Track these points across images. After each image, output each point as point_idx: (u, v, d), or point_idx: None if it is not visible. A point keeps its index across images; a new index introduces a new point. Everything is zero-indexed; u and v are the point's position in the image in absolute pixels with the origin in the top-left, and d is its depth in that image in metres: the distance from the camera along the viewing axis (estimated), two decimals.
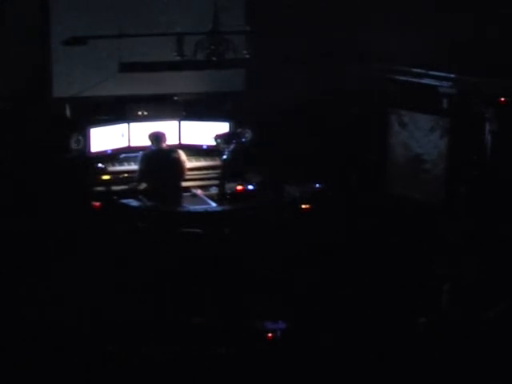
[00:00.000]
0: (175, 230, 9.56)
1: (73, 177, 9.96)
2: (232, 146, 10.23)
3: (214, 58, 9.20)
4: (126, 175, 10.27)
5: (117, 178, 10.27)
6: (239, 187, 10.13)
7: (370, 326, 8.51)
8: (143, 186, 9.99)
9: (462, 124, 9.71)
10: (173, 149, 10.27)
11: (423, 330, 8.14)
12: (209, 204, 10.00)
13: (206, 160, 10.76)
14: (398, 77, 10.23)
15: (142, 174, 10.02)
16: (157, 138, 10.11)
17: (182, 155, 10.22)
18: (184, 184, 10.24)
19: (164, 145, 10.13)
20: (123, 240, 9.42)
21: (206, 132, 10.75)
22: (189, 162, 10.43)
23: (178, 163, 10.11)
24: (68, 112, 10.54)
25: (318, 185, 10.31)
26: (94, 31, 9.54)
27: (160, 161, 10.06)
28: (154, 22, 10.32)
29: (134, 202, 9.84)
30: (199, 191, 10.29)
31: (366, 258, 9.69)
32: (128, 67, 9.27)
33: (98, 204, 9.82)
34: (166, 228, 9.57)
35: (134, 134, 10.61)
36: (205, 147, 10.81)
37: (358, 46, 9.96)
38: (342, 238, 9.89)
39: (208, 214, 9.81)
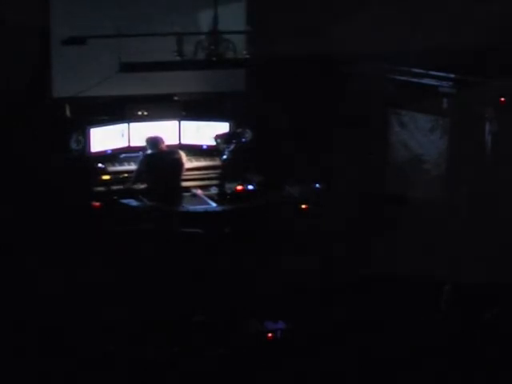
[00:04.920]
0: (175, 229, 9.56)
1: (73, 177, 9.95)
2: (232, 146, 10.24)
3: (213, 58, 9.20)
4: (126, 175, 10.27)
5: (117, 177, 10.27)
6: (239, 187, 10.14)
7: (371, 326, 8.51)
8: (138, 186, 10.00)
9: (462, 124, 9.70)
10: (174, 150, 10.28)
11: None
12: (209, 204, 10.00)
13: (205, 160, 10.76)
14: (397, 77, 10.22)
15: (139, 175, 10.03)
16: (154, 142, 10.10)
17: (183, 156, 10.25)
18: (184, 184, 10.25)
19: (163, 147, 10.14)
20: (123, 240, 9.42)
21: (205, 132, 10.75)
22: (189, 162, 10.45)
23: (180, 164, 10.14)
24: (68, 112, 10.54)
25: (317, 185, 10.32)
26: (94, 31, 9.53)
27: (162, 162, 10.07)
28: (154, 21, 10.31)
29: (133, 202, 9.85)
30: (199, 191, 10.29)
31: (365, 258, 9.69)
32: (128, 67, 9.26)
33: (98, 204, 9.83)
34: (166, 228, 9.57)
35: (133, 134, 10.61)
36: (205, 147, 10.81)
37: (358, 46, 9.95)
38: (341, 238, 9.89)
39: (208, 214, 9.81)
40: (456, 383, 7.71)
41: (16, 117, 10.08)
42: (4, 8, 10.01)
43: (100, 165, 10.31)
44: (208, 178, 10.54)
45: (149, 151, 10.13)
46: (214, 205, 9.99)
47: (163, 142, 10.15)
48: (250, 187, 10.19)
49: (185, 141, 10.80)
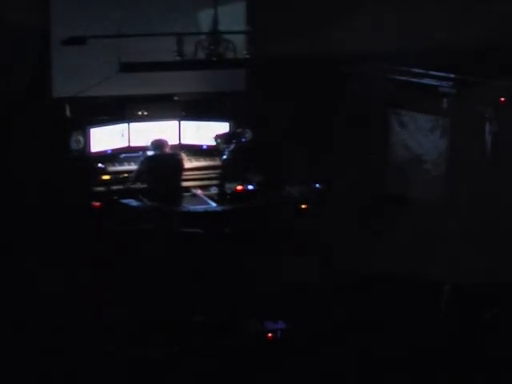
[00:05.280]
0: (175, 229, 9.56)
1: (73, 177, 9.95)
2: (232, 146, 10.25)
3: (214, 58, 9.20)
4: (126, 175, 10.26)
5: (117, 177, 10.27)
6: (239, 187, 10.13)
7: (371, 326, 8.52)
8: (138, 186, 10.00)
9: (462, 124, 9.71)
10: (175, 151, 10.29)
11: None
12: (209, 204, 10.00)
13: (205, 160, 10.76)
14: (397, 77, 10.23)
15: (139, 175, 10.03)
16: (159, 145, 10.11)
17: (184, 157, 10.27)
18: (184, 184, 10.25)
19: (166, 149, 10.14)
20: (123, 240, 9.42)
21: (205, 132, 10.75)
22: (189, 162, 10.46)
23: (181, 165, 10.16)
24: (68, 112, 10.54)
25: (317, 185, 10.32)
26: (94, 31, 9.53)
27: (163, 163, 10.08)
28: (154, 21, 10.32)
29: (133, 202, 9.85)
30: (199, 191, 10.29)
31: (365, 258, 9.69)
32: (128, 67, 9.26)
33: (98, 204, 9.83)
34: (166, 228, 9.57)
35: (134, 134, 10.61)
36: (205, 147, 10.81)
37: (359, 46, 9.96)
38: (341, 238, 9.89)
39: (208, 214, 9.81)
40: (456, 383, 7.71)
41: (16, 117, 10.08)
42: (4, 8, 10.01)
43: (100, 165, 10.31)
44: (208, 178, 10.54)
45: (150, 152, 10.14)
46: (213, 205, 9.98)
47: (168, 146, 10.16)
48: (250, 187, 10.19)
49: (185, 141, 10.81)
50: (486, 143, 9.43)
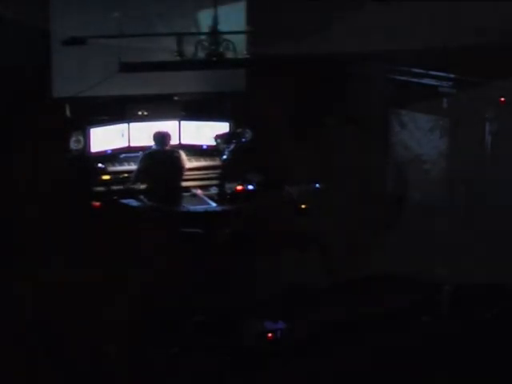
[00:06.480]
0: (175, 230, 9.56)
1: (73, 177, 9.96)
2: (232, 146, 10.25)
3: (214, 58, 9.21)
4: (126, 175, 10.27)
5: (117, 177, 10.27)
6: (239, 187, 10.14)
7: (371, 325, 8.52)
8: (138, 186, 10.00)
9: (462, 124, 9.71)
10: (173, 149, 10.29)
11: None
12: (209, 204, 10.00)
13: (205, 160, 10.76)
14: (397, 77, 10.23)
15: (139, 174, 10.04)
16: (160, 138, 10.12)
17: (183, 155, 10.26)
18: (184, 184, 10.25)
19: (168, 145, 10.14)
20: (123, 240, 9.42)
21: (205, 132, 10.76)
22: (189, 162, 10.45)
23: (180, 163, 10.15)
24: (68, 112, 10.54)
25: (317, 185, 10.32)
26: (94, 31, 9.53)
27: (162, 161, 10.09)
28: (154, 21, 10.32)
29: (133, 202, 9.85)
30: (199, 191, 10.30)
31: (365, 258, 9.69)
32: (128, 67, 9.26)
33: (98, 204, 9.83)
34: (166, 228, 9.57)
35: (133, 134, 10.61)
36: (205, 147, 10.82)
37: (359, 46, 9.96)
38: (341, 238, 9.90)
39: (208, 214, 9.82)
40: (456, 383, 7.72)
41: (16, 117, 10.08)
42: (4, 8, 10.01)
43: (100, 165, 10.32)
44: (208, 178, 10.55)
45: (147, 150, 10.14)
46: (213, 205, 9.99)
47: (169, 140, 10.16)
48: (250, 187, 10.19)
49: (185, 141, 10.81)
50: (486, 143, 9.43)
